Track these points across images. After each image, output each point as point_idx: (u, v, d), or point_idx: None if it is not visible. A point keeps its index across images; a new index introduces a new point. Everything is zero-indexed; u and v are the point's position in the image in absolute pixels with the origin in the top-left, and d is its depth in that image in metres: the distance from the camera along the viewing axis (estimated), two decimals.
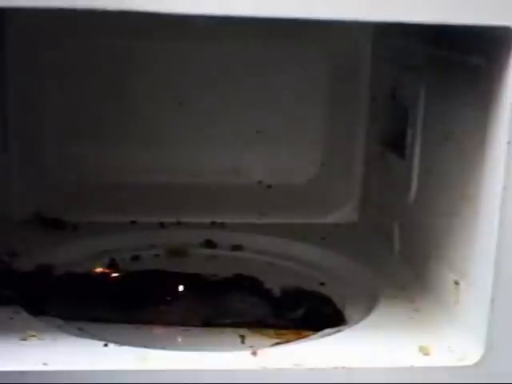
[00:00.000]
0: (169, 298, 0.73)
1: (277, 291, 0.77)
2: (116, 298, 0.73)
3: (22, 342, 0.61)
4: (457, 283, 0.67)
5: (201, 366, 0.59)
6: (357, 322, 0.69)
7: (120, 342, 0.62)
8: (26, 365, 0.57)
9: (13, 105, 0.92)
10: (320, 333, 0.68)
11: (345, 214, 0.99)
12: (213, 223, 0.96)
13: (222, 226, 0.95)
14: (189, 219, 0.95)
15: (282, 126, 1.00)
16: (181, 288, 0.75)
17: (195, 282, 0.78)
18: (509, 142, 0.58)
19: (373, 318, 0.70)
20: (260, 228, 0.94)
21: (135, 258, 0.87)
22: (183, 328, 0.70)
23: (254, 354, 0.62)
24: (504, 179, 0.58)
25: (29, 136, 0.94)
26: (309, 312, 0.73)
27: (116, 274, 0.81)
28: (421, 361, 0.62)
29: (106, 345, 0.62)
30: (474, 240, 0.63)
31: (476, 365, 0.61)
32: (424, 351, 0.63)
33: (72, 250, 0.84)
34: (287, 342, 0.68)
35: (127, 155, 0.98)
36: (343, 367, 0.60)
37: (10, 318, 0.66)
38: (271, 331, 0.71)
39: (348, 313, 0.74)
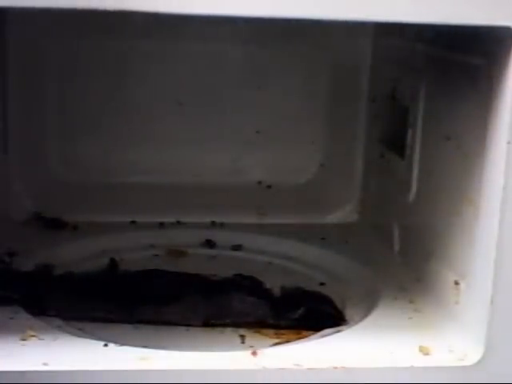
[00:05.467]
0: (169, 298, 0.73)
1: (277, 291, 0.76)
2: (116, 298, 0.73)
3: (22, 341, 0.61)
4: (457, 283, 0.66)
5: (201, 365, 0.59)
6: (357, 322, 0.69)
7: (120, 342, 0.62)
8: (26, 365, 0.57)
9: (13, 105, 0.92)
10: (320, 333, 0.68)
11: (345, 214, 0.99)
12: (213, 223, 0.96)
13: (222, 226, 0.95)
14: (189, 219, 0.95)
15: (282, 125, 1.00)
16: (181, 288, 0.75)
17: (195, 281, 0.77)
18: (509, 142, 0.58)
19: (373, 318, 0.70)
20: (260, 228, 0.94)
21: (135, 258, 0.87)
22: (183, 328, 0.70)
23: (254, 354, 0.62)
24: (504, 179, 0.58)
25: (29, 136, 0.94)
26: (309, 312, 0.73)
27: (116, 274, 0.81)
28: (421, 361, 0.62)
29: (106, 345, 0.62)
30: (474, 240, 0.63)
31: (476, 365, 0.61)
32: (424, 351, 0.63)
33: (72, 249, 0.84)
34: (287, 341, 0.68)
35: (127, 155, 0.98)
36: (343, 367, 0.60)
37: (10, 318, 0.66)
38: (271, 331, 0.71)
39: (348, 313, 0.73)
